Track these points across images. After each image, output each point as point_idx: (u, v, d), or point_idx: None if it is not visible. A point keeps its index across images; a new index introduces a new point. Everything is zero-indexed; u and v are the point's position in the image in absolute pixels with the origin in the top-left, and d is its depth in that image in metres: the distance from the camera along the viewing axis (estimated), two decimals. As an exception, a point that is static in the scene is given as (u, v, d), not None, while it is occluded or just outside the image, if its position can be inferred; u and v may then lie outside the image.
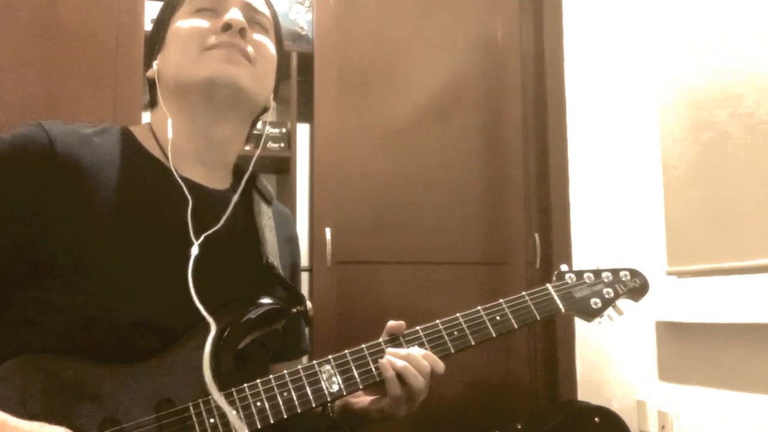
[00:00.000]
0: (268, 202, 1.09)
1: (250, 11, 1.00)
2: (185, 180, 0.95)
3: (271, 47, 1.03)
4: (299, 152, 2.11)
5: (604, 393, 2.04)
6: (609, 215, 2.07)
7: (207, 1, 0.98)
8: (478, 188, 2.23)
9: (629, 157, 2.00)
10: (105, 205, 0.88)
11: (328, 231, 2.01)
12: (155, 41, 1.03)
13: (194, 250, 0.90)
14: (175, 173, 0.95)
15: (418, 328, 0.99)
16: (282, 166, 2.16)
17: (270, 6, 1.07)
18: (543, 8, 2.36)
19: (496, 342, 1.03)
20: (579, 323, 2.19)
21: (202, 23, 0.97)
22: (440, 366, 0.96)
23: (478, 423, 2.02)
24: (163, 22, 1.02)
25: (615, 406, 1.94)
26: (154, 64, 1.01)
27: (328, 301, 1.97)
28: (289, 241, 1.13)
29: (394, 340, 0.98)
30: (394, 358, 0.94)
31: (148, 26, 1.88)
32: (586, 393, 2.14)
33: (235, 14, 0.96)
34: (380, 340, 0.98)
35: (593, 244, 2.15)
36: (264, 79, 1.01)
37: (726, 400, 1.61)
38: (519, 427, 1.88)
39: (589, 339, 2.14)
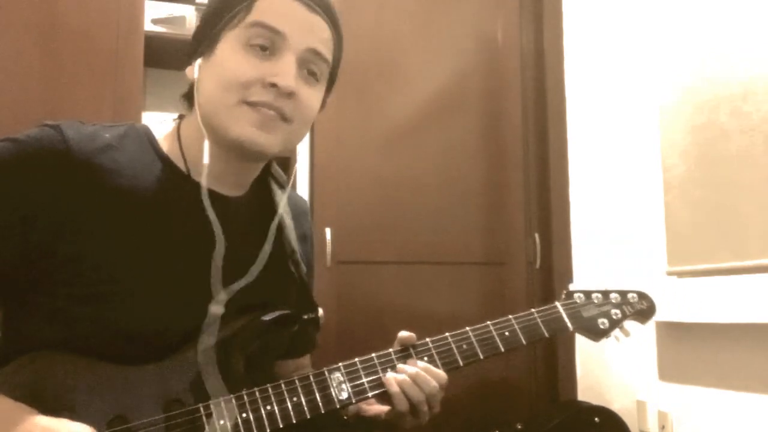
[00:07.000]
0: (282, 186, 1.08)
1: (310, 57, 0.92)
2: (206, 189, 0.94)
3: (317, 99, 0.96)
4: (299, 152, 2.11)
5: (604, 393, 2.04)
6: (609, 215, 2.07)
7: (265, 38, 0.89)
8: (478, 188, 2.23)
9: (629, 157, 2.00)
10: (122, 214, 0.87)
11: (328, 231, 2.01)
12: (202, 41, 0.94)
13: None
14: (204, 190, 0.92)
15: (428, 340, 1.01)
16: (282, 166, 2.15)
17: (336, 33, 0.96)
18: (543, 8, 2.36)
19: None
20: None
21: (252, 67, 0.89)
22: (442, 376, 0.99)
23: (478, 423, 2.02)
24: (215, 26, 0.92)
25: (615, 406, 1.94)
26: (197, 65, 0.93)
27: (328, 301, 1.97)
28: (303, 238, 1.12)
29: (405, 351, 0.99)
30: (398, 374, 0.97)
31: (149, 26, 1.88)
32: (586, 393, 2.14)
33: (287, 74, 0.89)
34: (391, 350, 0.99)
35: (593, 244, 2.14)
36: (299, 134, 0.97)
37: (726, 400, 1.61)
38: (519, 427, 1.88)
39: (589, 339, 2.14)
